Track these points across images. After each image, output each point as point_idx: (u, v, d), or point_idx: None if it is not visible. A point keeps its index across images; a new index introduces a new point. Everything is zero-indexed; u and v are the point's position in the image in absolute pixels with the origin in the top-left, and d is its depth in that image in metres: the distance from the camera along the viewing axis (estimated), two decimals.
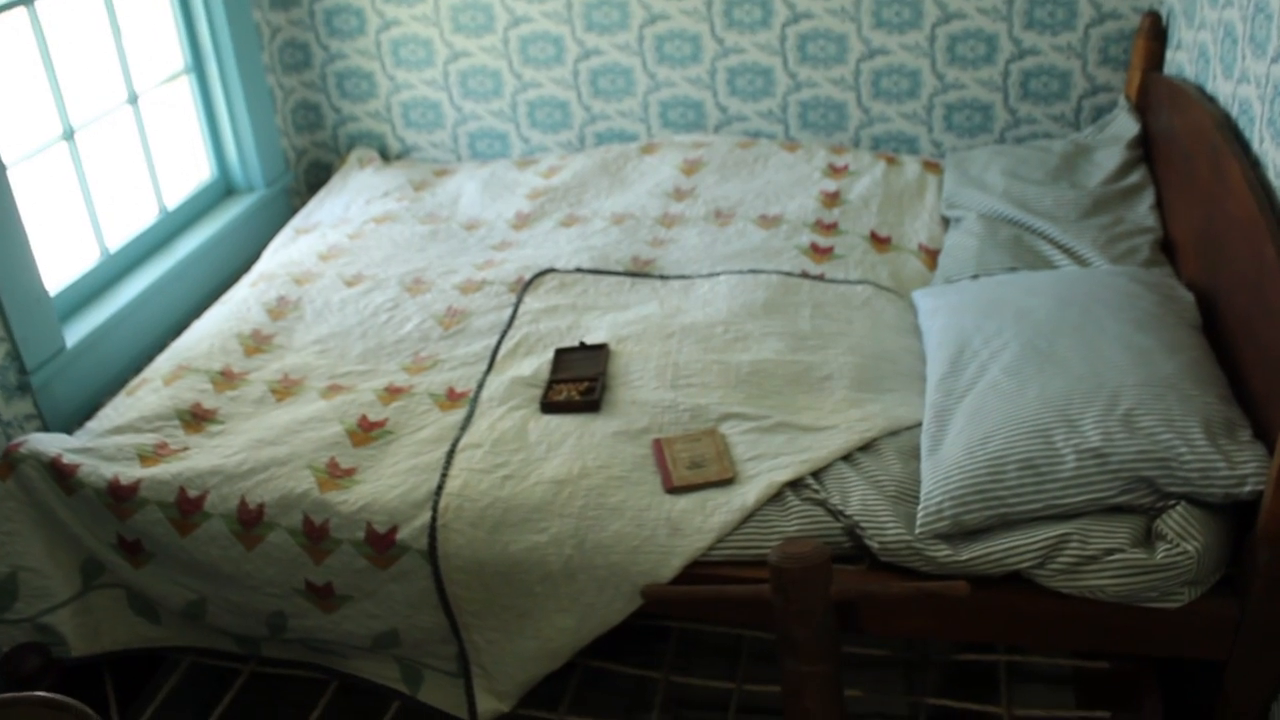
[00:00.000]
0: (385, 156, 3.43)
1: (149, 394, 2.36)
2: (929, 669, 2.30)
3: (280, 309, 2.61)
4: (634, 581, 1.92)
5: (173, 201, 2.99)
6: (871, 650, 2.25)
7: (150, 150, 2.91)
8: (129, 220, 2.86)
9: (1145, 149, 2.80)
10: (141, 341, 2.69)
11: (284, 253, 2.87)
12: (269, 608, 2.13)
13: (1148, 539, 1.80)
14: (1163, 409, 1.83)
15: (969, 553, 1.82)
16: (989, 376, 2.03)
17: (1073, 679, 2.30)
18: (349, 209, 3.05)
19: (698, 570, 1.91)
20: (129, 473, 2.13)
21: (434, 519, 1.99)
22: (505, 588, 1.98)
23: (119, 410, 2.33)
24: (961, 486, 1.84)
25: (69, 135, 2.62)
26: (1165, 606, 1.79)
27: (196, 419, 2.29)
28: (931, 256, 2.66)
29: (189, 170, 3.13)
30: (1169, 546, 1.75)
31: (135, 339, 2.68)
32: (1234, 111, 2.28)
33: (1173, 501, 1.79)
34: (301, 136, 3.43)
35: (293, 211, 3.29)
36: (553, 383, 2.24)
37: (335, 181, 3.24)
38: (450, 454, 2.09)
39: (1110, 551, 1.77)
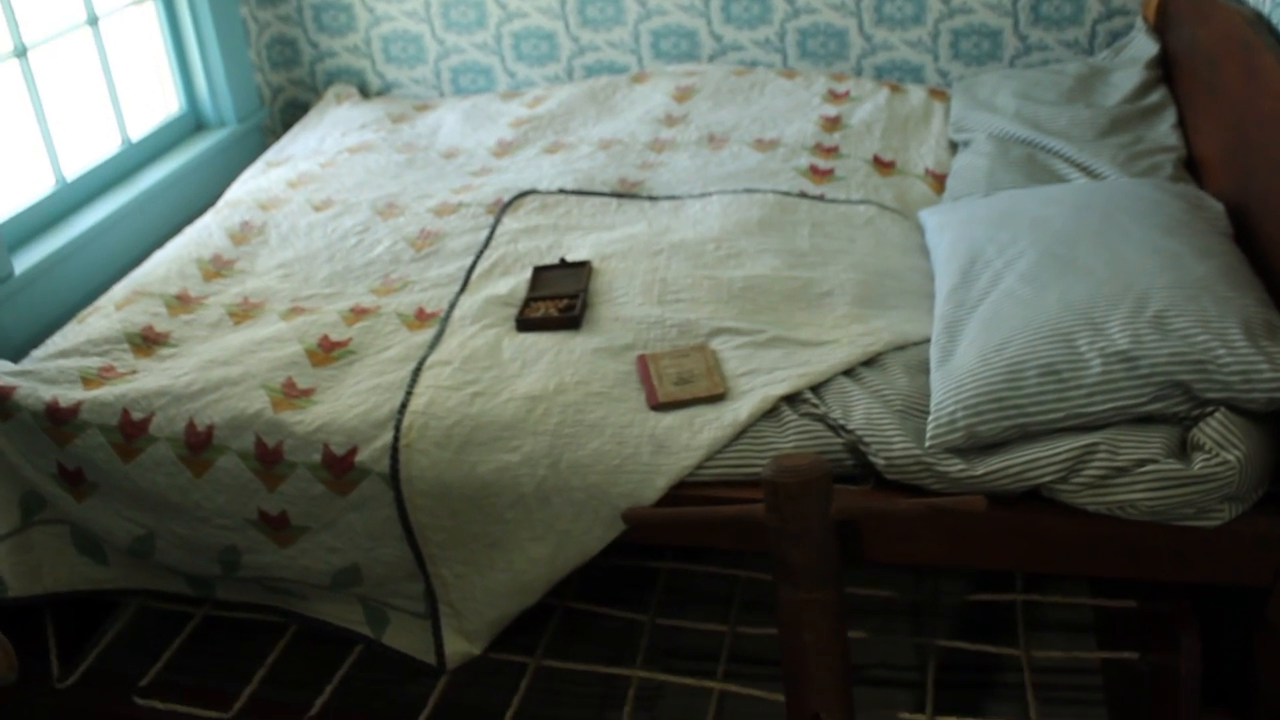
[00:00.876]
0: (365, 94, 3.26)
1: (99, 319, 2.19)
2: (939, 612, 2.12)
3: (244, 234, 2.44)
4: (614, 504, 1.75)
5: (137, 133, 2.83)
6: (877, 591, 2.08)
7: (113, 78, 2.75)
8: (89, 150, 2.70)
9: (1165, 71, 2.63)
10: (99, 273, 2.52)
11: (252, 183, 2.70)
12: (220, 542, 1.96)
13: (1183, 451, 1.63)
14: (1196, 310, 1.66)
15: (985, 467, 1.65)
16: (1004, 285, 1.86)
17: (1095, 623, 2.13)
18: (324, 142, 2.88)
19: (685, 492, 1.74)
20: (69, 395, 1.97)
21: (396, 439, 1.82)
22: (474, 514, 1.81)
23: (66, 337, 2.16)
24: (976, 395, 1.66)
25: (21, 53, 2.46)
26: (1202, 525, 1.61)
27: (147, 342, 2.12)
28: (939, 181, 2.49)
29: (156, 103, 2.96)
30: (1207, 457, 1.58)
31: (92, 270, 2.51)
32: (1265, 8, 2.11)
33: (1210, 409, 1.62)
34: (277, 74, 3.26)
35: (266, 148, 3.12)
36: (530, 300, 2.07)
37: (311, 117, 3.07)
38: (416, 371, 1.92)
39: (1142, 463, 1.59)
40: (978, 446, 1.67)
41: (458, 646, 1.94)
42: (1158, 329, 1.64)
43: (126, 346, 2.11)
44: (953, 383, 1.71)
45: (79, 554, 2.10)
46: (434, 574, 1.89)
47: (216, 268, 2.34)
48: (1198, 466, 1.57)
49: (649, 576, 2.17)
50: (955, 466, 1.66)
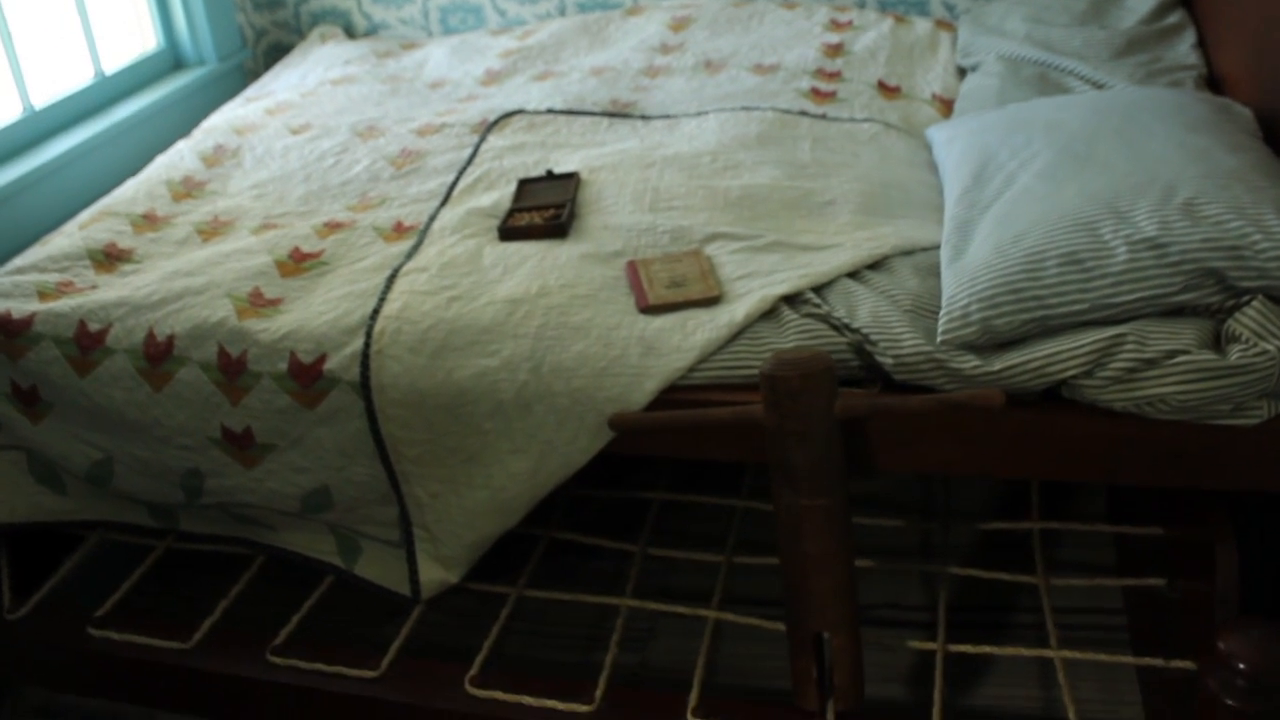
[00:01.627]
0: (351, 35, 3.15)
1: (61, 239, 2.07)
2: (950, 544, 1.98)
3: (217, 157, 2.33)
4: (600, 410, 1.62)
5: (111, 67, 2.71)
6: (883, 521, 1.95)
7: (86, 10, 2.64)
8: (59, 80, 2.59)
9: None
10: (67, 203, 2.40)
11: (230, 112, 2.59)
12: (182, 465, 1.84)
13: (1217, 344, 1.50)
14: (1229, 197, 1.53)
15: (1002, 363, 1.52)
16: (1020, 184, 1.73)
17: (1117, 554, 1.99)
18: (305, 78, 2.77)
19: (676, 395, 1.61)
20: (23, 307, 1.85)
21: (367, 345, 1.69)
22: (450, 425, 1.68)
23: (26, 256, 2.04)
24: (991, 287, 1.54)
25: None
26: (1239, 424, 1.48)
27: (109, 259, 2.00)
28: (947, 106, 2.36)
29: (132, 37, 2.85)
30: (1244, 347, 1.45)
31: (59, 200, 2.39)
32: None
33: (1246, 298, 1.49)
34: (261, 15, 3.15)
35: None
36: (514, 210, 1.95)
37: (294, 55, 2.95)
38: (391, 278, 1.80)
39: (1173, 354, 1.46)
40: (994, 343, 1.54)
41: (433, 574, 1.81)
42: (1188, 216, 1.52)
43: (88, 263, 1.99)
44: (966, 276, 1.58)
45: (36, 483, 1.98)
46: (408, 494, 1.76)
47: (187, 189, 2.22)
48: (1234, 357, 1.44)
49: (640, 512, 2.03)
50: (970, 363, 1.53)
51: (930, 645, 1.69)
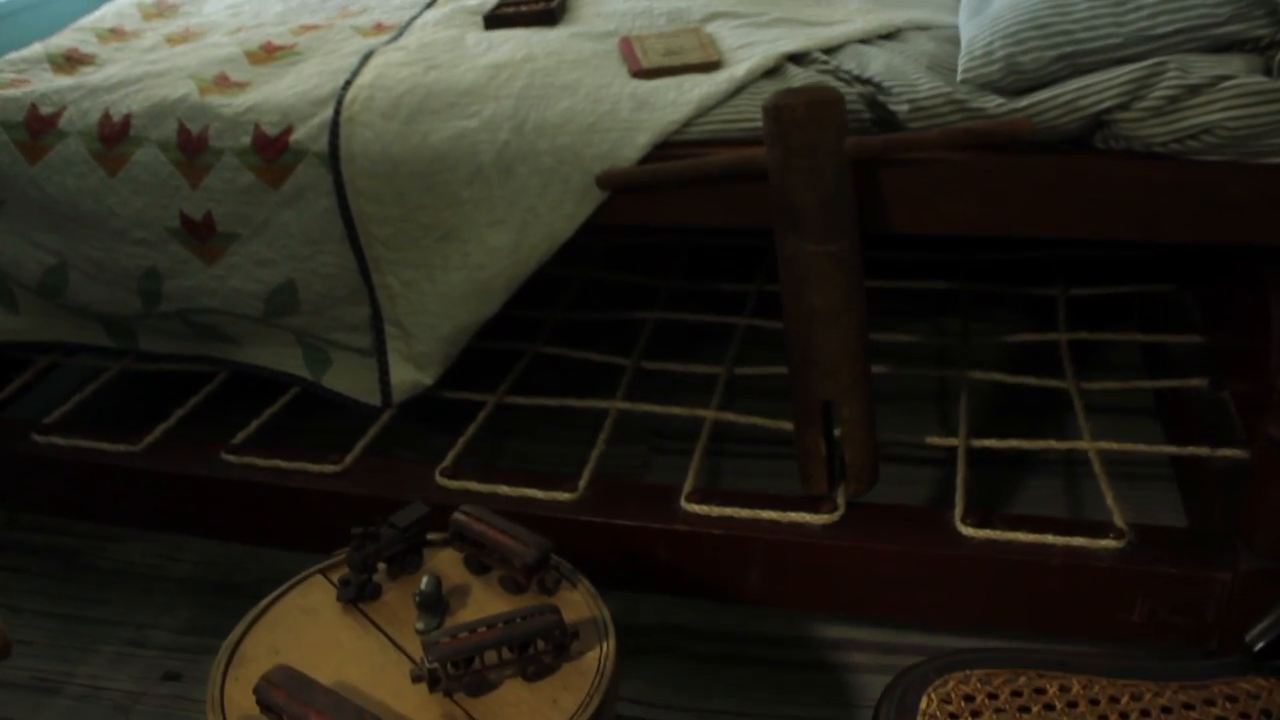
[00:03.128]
0: None
1: (22, 50, 1.94)
2: (970, 355, 1.81)
3: None
4: (587, 169, 1.48)
5: None
6: (896, 337, 1.80)
7: None
8: None
9: None
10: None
11: None
12: (139, 264, 1.70)
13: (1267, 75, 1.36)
14: None
15: (1029, 99, 1.38)
16: None
17: (1147, 363, 1.84)
18: None
19: (672, 152, 1.47)
20: None
21: (337, 113, 1.56)
22: (424, 198, 1.54)
23: None
24: (1016, 24, 1.39)
25: None
26: None
27: (70, 62, 1.87)
28: None
29: None
30: None
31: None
32: None
33: None
34: None
35: None
36: (502, 3, 1.82)
37: None
38: (366, 57, 1.67)
39: (1220, 79, 1.32)
40: (1020, 86, 1.40)
41: (406, 375, 1.67)
42: None
43: (46, 65, 1.86)
44: (988, 21, 1.44)
45: None
46: (379, 285, 1.62)
47: (159, 9, 2.10)
48: None
49: (634, 334, 1.88)
50: (993, 102, 1.38)
51: (951, 441, 1.54)
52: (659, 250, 2.16)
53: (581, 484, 1.49)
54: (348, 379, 1.74)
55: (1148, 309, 1.88)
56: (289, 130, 1.58)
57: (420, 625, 1.11)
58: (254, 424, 1.67)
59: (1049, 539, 1.35)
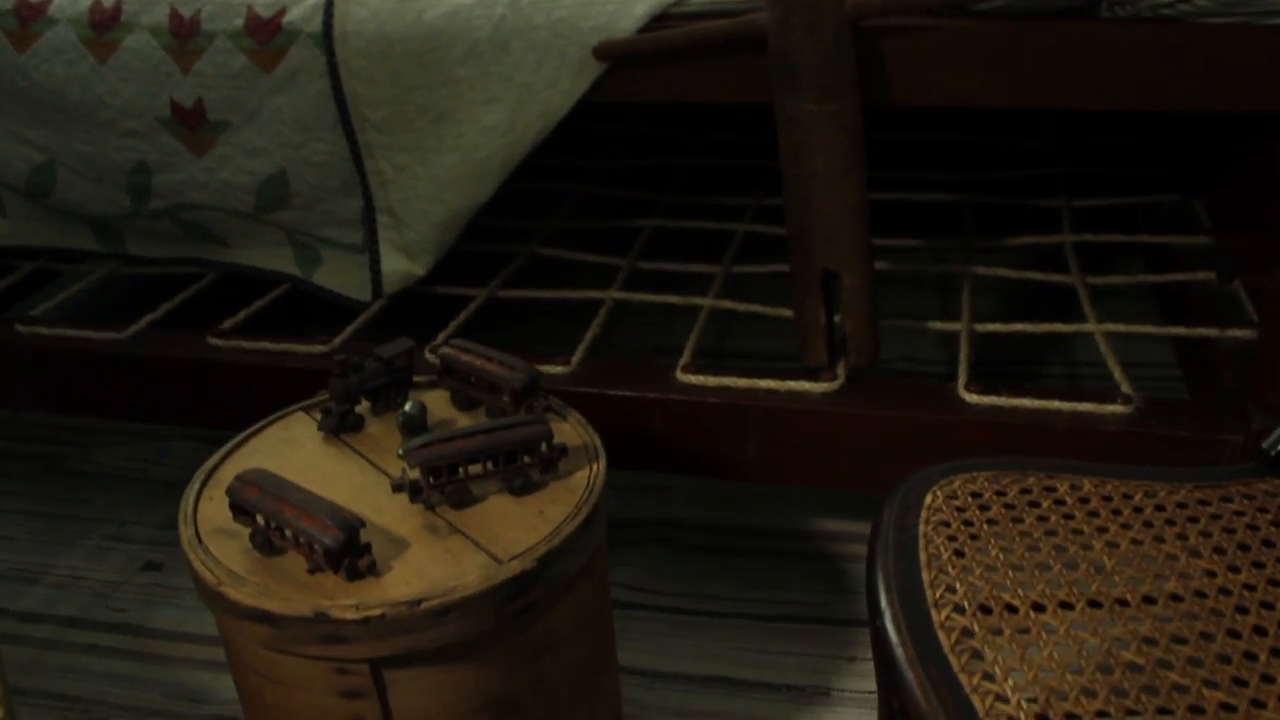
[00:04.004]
0: None
1: None
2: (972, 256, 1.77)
3: None
4: (584, 43, 1.45)
5: None
6: (896, 240, 1.77)
7: None
8: None
9: None
10: None
11: None
12: (129, 158, 1.67)
13: None
14: None
15: None
16: None
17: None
18: None
19: (670, 25, 1.44)
20: None
21: None
22: (419, 77, 1.51)
23: None
24: None
25: None
26: None
27: None
28: None
29: None
30: None
31: None
32: None
33: None
34: None
35: None
36: None
37: None
38: None
39: None
40: None
41: (397, 265, 1.64)
42: None
43: None
44: None
45: None
46: (372, 172, 1.60)
47: None
48: None
49: (631, 242, 1.85)
50: None
51: (954, 325, 1.50)
52: (657, 171, 2.13)
53: (575, 359, 1.45)
54: (339, 276, 1.71)
55: (1154, 219, 1.85)
56: (282, 11, 1.56)
57: (402, 451, 1.07)
58: (243, 313, 1.64)
59: (1054, 404, 1.31)
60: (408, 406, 1.07)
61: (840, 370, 1.39)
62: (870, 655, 1.32)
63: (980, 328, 1.49)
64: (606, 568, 1.10)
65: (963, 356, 1.41)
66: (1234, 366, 1.40)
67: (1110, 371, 1.36)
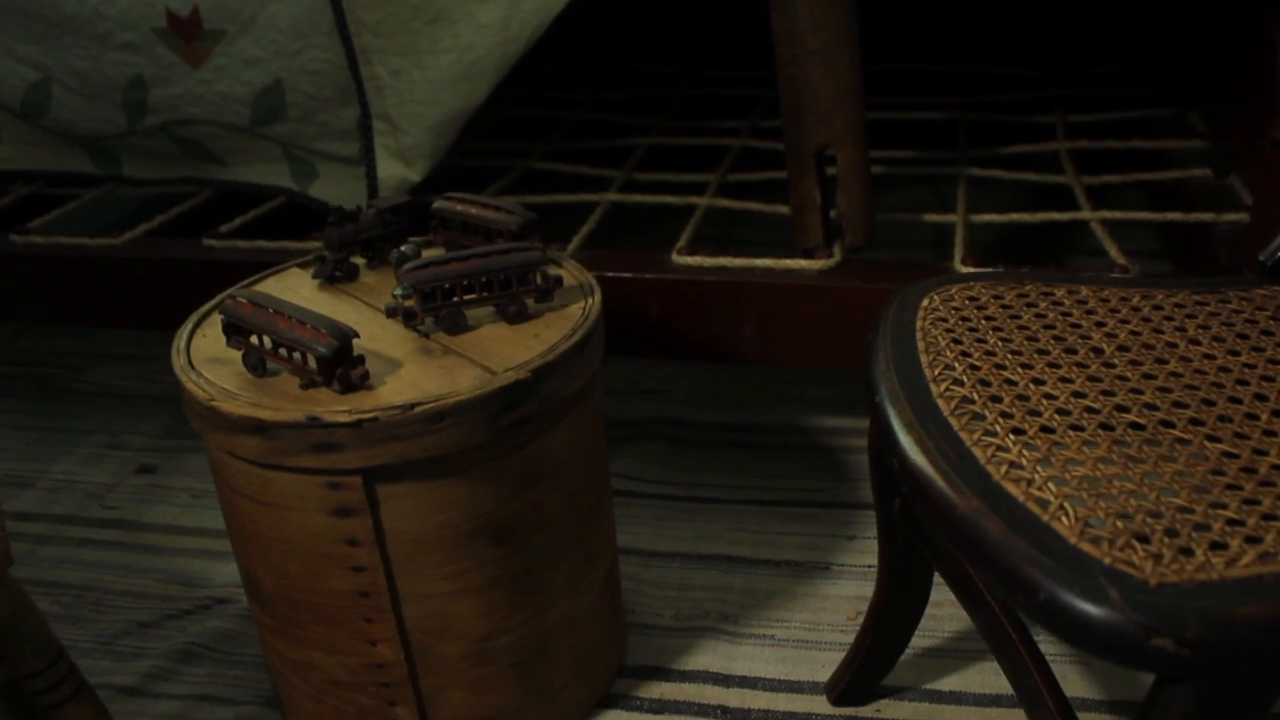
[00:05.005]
0: None
1: None
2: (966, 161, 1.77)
3: None
4: None
5: None
6: (890, 152, 1.76)
7: None
8: None
9: None
10: None
11: None
12: (124, 72, 1.67)
13: None
14: None
15: None
16: None
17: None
18: None
19: None
20: None
21: None
22: None
23: None
24: None
25: None
26: None
27: None
28: None
29: None
30: None
31: None
32: None
33: None
34: None
35: None
36: None
37: None
38: None
39: None
40: None
41: (393, 171, 1.63)
42: None
43: None
44: None
45: None
46: (368, 77, 1.60)
47: None
48: None
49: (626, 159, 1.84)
50: None
51: (951, 218, 1.50)
52: (652, 101, 2.14)
53: (571, 247, 1.45)
54: (334, 188, 1.70)
55: (1150, 131, 1.85)
56: None
57: (399, 291, 1.07)
58: (238, 220, 1.63)
59: (1054, 273, 1.30)
60: (403, 247, 1.07)
61: (837, 250, 1.39)
62: (870, 534, 1.32)
63: (975, 218, 1.48)
64: (601, 410, 1.10)
65: (958, 239, 1.41)
66: (1229, 246, 1.40)
67: (1106, 258, 1.36)
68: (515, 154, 1.87)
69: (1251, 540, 0.63)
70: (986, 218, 1.49)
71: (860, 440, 1.49)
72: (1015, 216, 1.48)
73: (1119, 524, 0.65)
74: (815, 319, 1.36)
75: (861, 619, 1.13)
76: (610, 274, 1.39)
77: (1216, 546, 0.63)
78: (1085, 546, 0.63)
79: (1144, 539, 0.63)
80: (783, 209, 1.49)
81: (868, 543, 1.32)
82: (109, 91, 1.71)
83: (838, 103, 1.35)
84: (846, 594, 1.26)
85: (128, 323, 1.65)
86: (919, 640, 1.18)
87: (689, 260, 1.39)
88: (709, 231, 1.61)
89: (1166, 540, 0.63)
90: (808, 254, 1.39)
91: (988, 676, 1.14)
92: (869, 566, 1.29)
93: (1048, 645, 1.13)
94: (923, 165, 1.71)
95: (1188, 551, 0.62)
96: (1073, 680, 1.12)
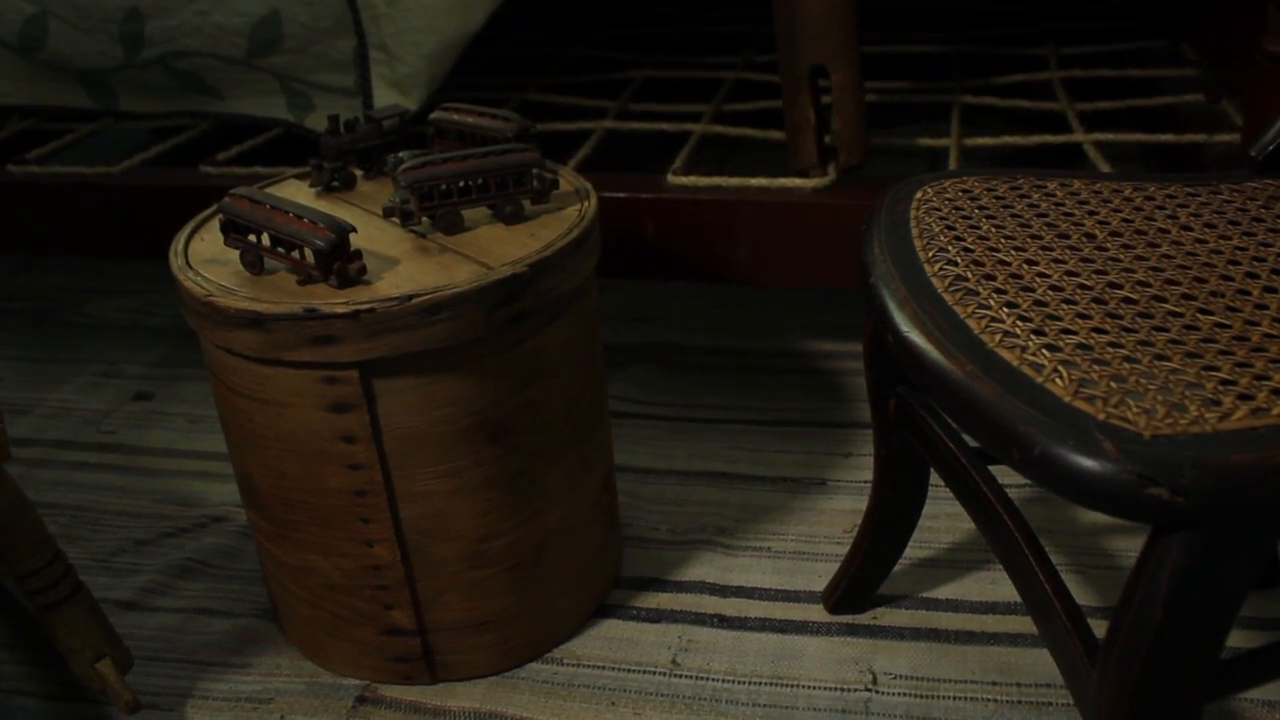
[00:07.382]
0: None
1: None
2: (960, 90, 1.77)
3: None
4: None
5: None
6: (886, 82, 1.76)
7: None
8: None
9: None
10: None
11: None
12: (121, 5, 1.66)
13: None
14: None
15: None
16: None
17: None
18: None
19: None
20: None
21: None
22: None
23: None
24: None
25: None
26: None
27: None
28: None
29: None
30: None
31: None
32: None
33: None
34: None
35: None
36: None
37: None
38: None
39: None
40: None
41: (389, 100, 1.63)
42: None
43: None
44: None
45: None
46: (364, 6, 1.59)
47: None
48: None
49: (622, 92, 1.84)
50: None
51: (945, 142, 1.50)
52: (646, 39, 2.13)
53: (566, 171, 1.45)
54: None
55: (1142, 62, 1.85)
56: None
57: (398, 197, 1.07)
58: (235, 149, 1.63)
59: (1048, 171, 1.31)
60: (401, 154, 1.07)
61: (831, 170, 1.39)
62: (867, 451, 1.33)
63: (969, 142, 1.49)
64: (598, 317, 1.10)
65: (952, 160, 1.41)
66: (1221, 168, 1.41)
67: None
68: (511, 88, 1.87)
69: (1244, 397, 0.64)
70: (980, 141, 1.49)
71: (857, 364, 1.50)
72: (1009, 139, 1.48)
73: (1113, 384, 0.65)
74: (810, 238, 1.36)
75: (856, 532, 1.14)
76: (606, 194, 1.39)
77: (1210, 403, 0.63)
78: (1079, 404, 0.64)
79: (1137, 396, 0.64)
80: (778, 134, 1.49)
81: (864, 459, 1.33)
82: (105, 24, 1.70)
83: (831, 21, 1.35)
84: (843, 508, 1.27)
85: (125, 252, 1.64)
86: (915, 551, 1.19)
87: (684, 180, 1.39)
88: (705, 161, 1.61)
89: (1160, 397, 0.64)
90: (802, 174, 1.40)
91: (984, 585, 1.15)
92: (865, 482, 1.30)
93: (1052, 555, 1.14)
94: (918, 94, 1.71)
95: (1181, 407, 0.63)
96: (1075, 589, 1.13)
